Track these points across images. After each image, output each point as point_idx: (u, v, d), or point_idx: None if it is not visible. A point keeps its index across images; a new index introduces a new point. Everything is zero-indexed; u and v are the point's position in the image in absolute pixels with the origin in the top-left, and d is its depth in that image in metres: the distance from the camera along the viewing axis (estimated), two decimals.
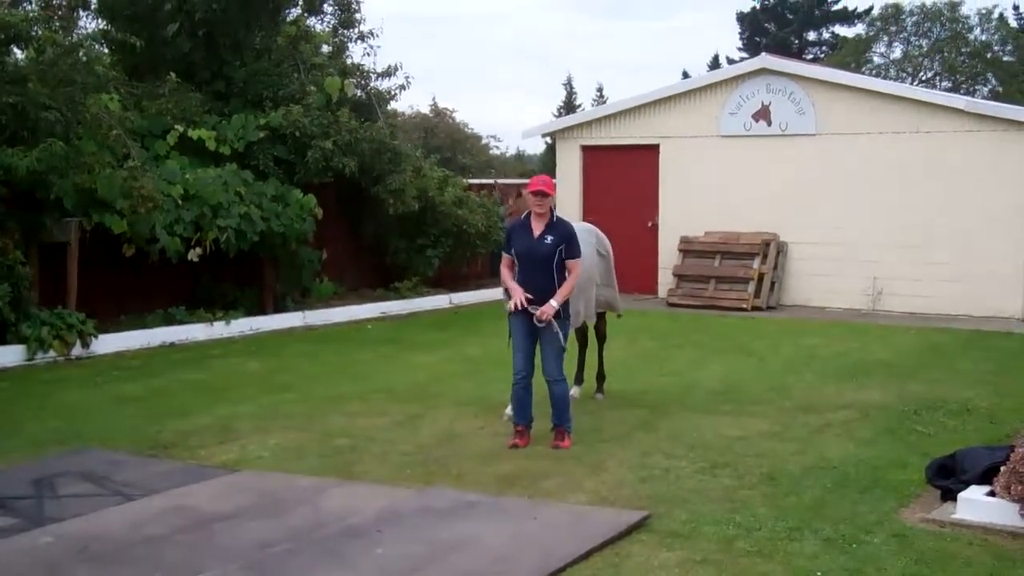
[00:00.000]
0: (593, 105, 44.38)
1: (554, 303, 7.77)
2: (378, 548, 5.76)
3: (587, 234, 9.33)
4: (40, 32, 12.82)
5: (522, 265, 7.94)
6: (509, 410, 8.67)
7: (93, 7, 15.83)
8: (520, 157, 46.92)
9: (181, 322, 13.60)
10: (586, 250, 9.00)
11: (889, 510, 6.43)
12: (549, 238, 7.87)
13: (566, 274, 7.91)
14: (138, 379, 10.84)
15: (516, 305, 7.84)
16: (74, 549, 5.80)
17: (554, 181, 8.33)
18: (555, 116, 43.19)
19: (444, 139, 36.00)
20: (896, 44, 45.13)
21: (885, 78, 38.32)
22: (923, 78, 43.77)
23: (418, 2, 77.85)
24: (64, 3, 14.53)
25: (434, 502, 6.57)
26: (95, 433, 8.49)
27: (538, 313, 7.73)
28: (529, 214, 8.02)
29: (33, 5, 14.23)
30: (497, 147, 44.17)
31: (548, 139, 25.74)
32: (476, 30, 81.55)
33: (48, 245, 12.47)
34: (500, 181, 22.71)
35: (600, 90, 50.97)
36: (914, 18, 43.96)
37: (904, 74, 43.70)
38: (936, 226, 15.83)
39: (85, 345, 12.09)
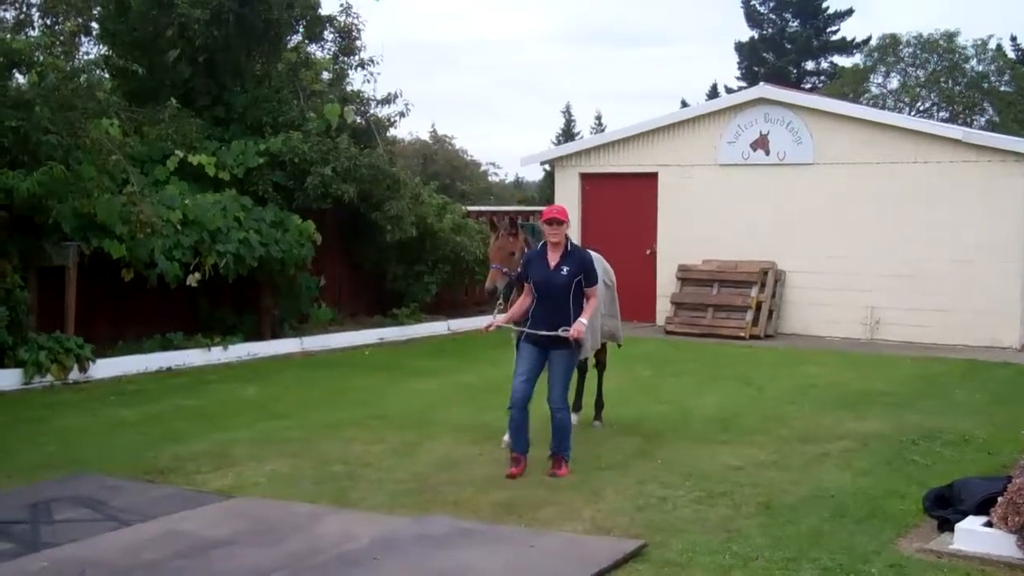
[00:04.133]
0: (592, 133, 44.57)
1: (584, 320, 7.81)
2: None
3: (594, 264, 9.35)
4: (42, 57, 12.91)
5: (539, 295, 7.91)
6: (507, 437, 8.67)
7: (95, 33, 15.94)
8: (519, 184, 47.02)
9: (179, 347, 13.59)
10: None
11: (887, 540, 6.42)
12: (565, 269, 7.85)
13: (583, 303, 7.92)
14: (135, 404, 10.83)
15: (485, 327, 8.12)
16: (70, 574, 5.78)
17: (566, 209, 8.32)
18: (554, 144, 43.33)
19: (443, 166, 36.08)
20: (893, 74, 45.35)
21: (883, 108, 38.49)
22: (920, 108, 43.98)
23: (418, 29, 78.32)
24: (66, 29, 14.63)
25: (431, 530, 6.55)
26: (91, 458, 8.47)
27: (571, 333, 7.73)
28: (545, 244, 8.00)
29: (36, 31, 14.33)
30: (496, 174, 44.29)
31: (547, 167, 25.79)
32: (476, 57, 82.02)
33: (47, 269, 12.48)
34: (499, 209, 22.75)
35: (599, 118, 51.13)
36: (911, 48, 44.19)
37: (901, 104, 43.90)
38: (933, 256, 15.87)
39: (83, 369, 12.08)
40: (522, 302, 8.08)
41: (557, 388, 7.94)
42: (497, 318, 8.34)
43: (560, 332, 7.77)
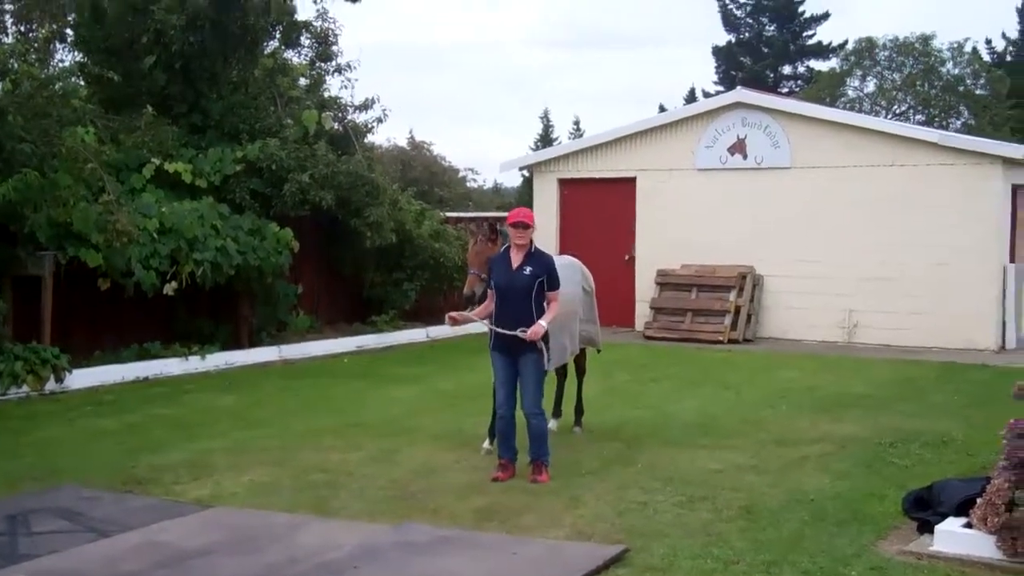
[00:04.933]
0: (570, 138, 44.65)
1: (543, 323, 7.78)
2: None
3: (572, 269, 9.35)
4: (16, 65, 12.79)
5: (500, 296, 7.92)
6: (487, 443, 8.69)
7: (70, 40, 15.86)
8: (497, 190, 47.03)
9: (156, 356, 13.51)
10: (571, 287, 9.04)
11: (867, 543, 6.44)
12: (528, 269, 7.85)
13: (545, 305, 7.91)
14: (112, 414, 10.74)
15: (448, 319, 8.19)
16: None
17: (533, 213, 8.34)
18: (532, 149, 43.41)
19: (421, 172, 36.02)
20: (870, 78, 45.65)
21: (859, 111, 38.75)
22: (897, 111, 44.28)
23: (396, 33, 78.29)
24: (41, 36, 14.53)
25: (411, 537, 6.52)
26: (69, 469, 8.39)
27: (528, 334, 7.70)
28: (508, 247, 8.01)
29: (10, 38, 14.22)
30: (475, 180, 44.28)
31: (525, 172, 25.85)
32: (453, 62, 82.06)
33: (22, 278, 12.38)
34: (477, 215, 22.74)
35: (577, 123, 51.21)
36: (887, 52, 44.50)
37: (878, 107, 44.18)
38: (910, 259, 15.97)
39: (59, 380, 11.97)
40: (487, 305, 8.10)
41: (528, 394, 7.92)
42: (458, 314, 8.32)
43: (518, 333, 7.74)
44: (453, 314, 8.29)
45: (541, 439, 8.00)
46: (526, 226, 7.89)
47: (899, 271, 16.06)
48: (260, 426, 10.10)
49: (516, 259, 7.92)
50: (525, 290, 7.83)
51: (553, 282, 7.94)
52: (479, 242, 8.45)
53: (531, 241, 7.97)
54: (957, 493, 6.60)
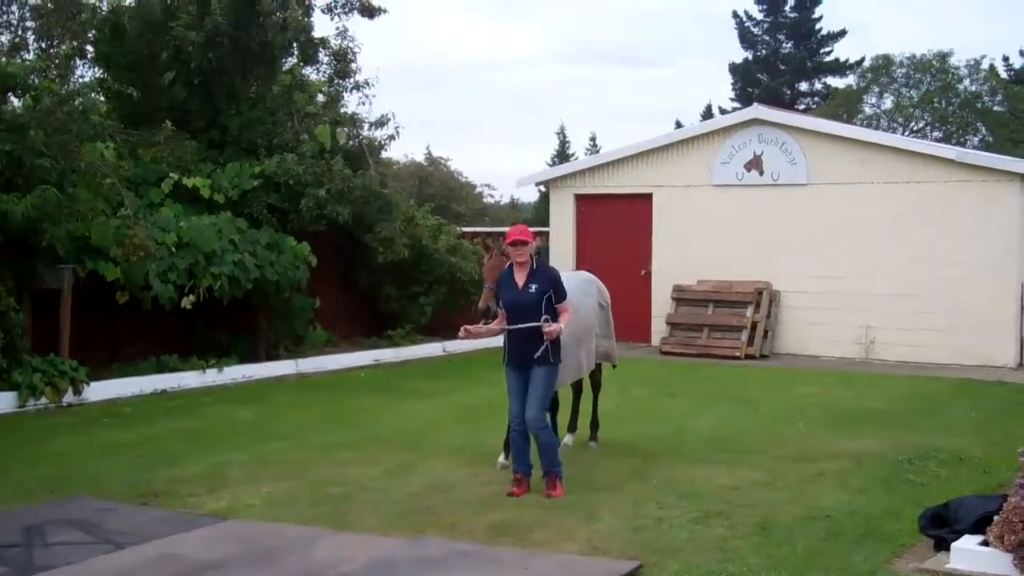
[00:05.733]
0: (586, 154, 44.70)
1: (560, 326, 7.83)
2: None
3: (588, 284, 9.38)
4: (37, 81, 12.94)
5: (509, 316, 7.96)
6: (503, 458, 8.70)
7: (90, 56, 16.00)
8: (514, 205, 47.13)
9: (174, 369, 13.57)
10: (588, 301, 9.09)
11: (882, 560, 6.40)
12: (533, 287, 7.90)
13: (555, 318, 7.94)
14: (130, 427, 10.80)
15: (463, 332, 8.16)
16: None
17: (530, 229, 8.43)
18: (548, 165, 43.43)
19: (439, 187, 36.20)
20: (887, 95, 45.59)
21: (876, 128, 38.69)
22: (914, 128, 44.19)
23: (413, 52, 78.62)
24: (61, 52, 14.68)
25: (426, 551, 6.53)
26: (86, 481, 8.44)
27: (547, 330, 7.75)
28: (511, 265, 8.06)
29: (31, 54, 14.37)
30: (491, 195, 44.43)
31: (542, 188, 25.90)
32: (470, 79, 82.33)
33: (42, 292, 12.48)
34: (493, 230, 22.76)
35: (593, 139, 51.29)
36: (904, 69, 44.44)
37: (895, 124, 44.12)
38: (927, 275, 15.91)
39: (77, 392, 12.05)
40: (500, 319, 8.16)
41: (533, 408, 7.91)
42: (472, 327, 8.39)
43: (541, 323, 7.77)
44: (468, 328, 8.31)
45: (550, 452, 8.00)
46: (524, 243, 7.92)
47: (916, 287, 16.00)
48: (277, 439, 10.13)
49: (520, 278, 7.96)
50: (532, 307, 7.86)
51: (560, 295, 7.98)
52: (494, 256, 8.47)
53: (532, 257, 8.00)
54: (974, 511, 6.56)
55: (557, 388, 8.57)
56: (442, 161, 38.69)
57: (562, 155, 48.24)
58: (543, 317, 7.84)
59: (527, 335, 7.85)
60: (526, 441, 8.02)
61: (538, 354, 7.85)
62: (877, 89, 45.55)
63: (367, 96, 18.72)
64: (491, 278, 8.35)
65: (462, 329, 8.32)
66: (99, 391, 12.33)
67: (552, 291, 7.92)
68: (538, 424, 7.94)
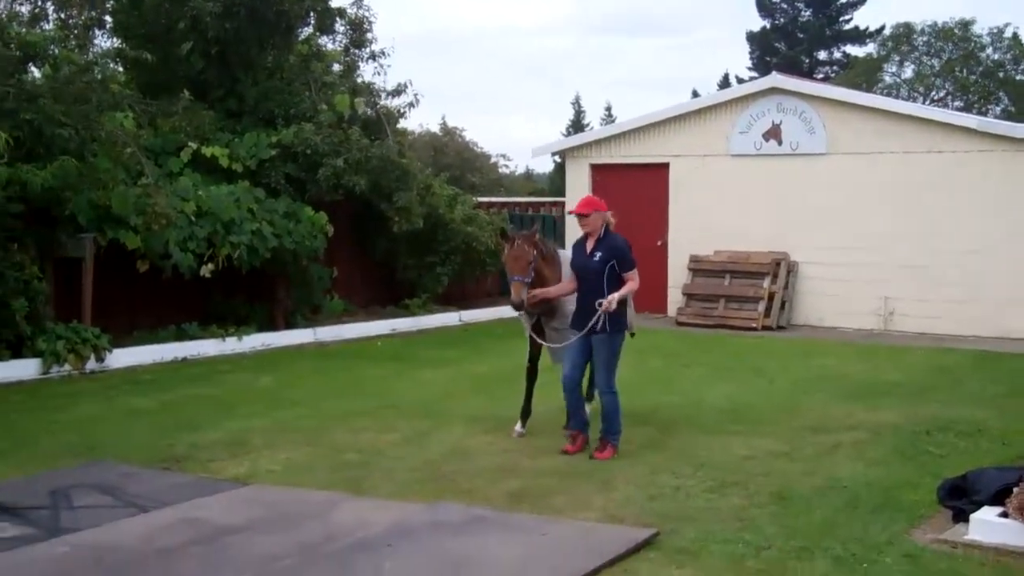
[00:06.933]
0: (601, 124, 44.53)
1: (615, 296, 8.03)
2: (387, 562, 5.79)
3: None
4: (57, 51, 12.96)
5: (579, 280, 8.27)
6: (519, 427, 8.82)
7: (108, 26, 16.00)
8: (529, 176, 47.04)
9: (193, 337, 13.68)
10: None
11: (900, 530, 6.43)
12: (598, 254, 8.17)
13: (618, 287, 8.15)
14: (151, 393, 10.91)
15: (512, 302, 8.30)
16: (89, 559, 5.86)
17: (598, 200, 8.53)
18: (564, 135, 43.30)
19: (454, 158, 36.07)
20: (907, 63, 45.19)
21: (896, 98, 38.38)
22: (935, 98, 43.83)
23: (427, 22, 78.30)
24: (80, 22, 14.69)
25: (443, 517, 6.60)
26: (109, 446, 8.56)
27: (604, 304, 7.98)
28: (586, 235, 8.33)
29: (50, 24, 14.39)
30: (506, 166, 44.30)
31: (557, 158, 25.83)
32: (484, 49, 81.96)
33: (64, 260, 12.59)
34: (509, 200, 22.74)
35: (608, 109, 51.12)
36: (925, 37, 44.02)
37: (916, 94, 43.76)
38: (947, 246, 15.83)
39: (99, 359, 12.18)
40: (564, 284, 8.42)
41: (601, 373, 8.24)
42: (527, 324, 8.73)
43: (596, 304, 8.02)
44: (535, 292, 8.32)
45: (611, 417, 8.26)
46: (584, 215, 8.22)
47: (936, 258, 15.93)
48: (295, 406, 10.22)
49: (590, 245, 8.27)
50: (596, 274, 8.14)
51: (625, 264, 8.18)
52: (515, 246, 8.43)
53: (602, 226, 8.23)
54: (992, 482, 6.56)
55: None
56: (457, 131, 38.57)
57: (577, 125, 48.06)
58: (604, 285, 8.08)
59: (590, 303, 8.09)
60: (578, 399, 8.37)
61: (596, 324, 8.05)
62: (897, 58, 45.17)
63: (382, 66, 18.67)
64: (516, 269, 8.32)
65: (529, 296, 8.31)
66: (121, 358, 12.45)
67: (616, 260, 8.14)
68: (605, 388, 8.23)
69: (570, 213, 8.32)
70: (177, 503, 6.91)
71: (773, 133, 17.33)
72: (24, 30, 13.34)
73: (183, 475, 7.71)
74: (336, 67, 18.79)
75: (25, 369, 11.53)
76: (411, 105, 18.80)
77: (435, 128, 38.23)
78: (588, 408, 9.54)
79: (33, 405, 10.24)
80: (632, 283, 8.20)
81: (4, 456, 8.21)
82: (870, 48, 47.69)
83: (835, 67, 49.10)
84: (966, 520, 6.35)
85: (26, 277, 11.62)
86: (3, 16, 13.92)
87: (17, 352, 11.64)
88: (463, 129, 39.54)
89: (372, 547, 6.03)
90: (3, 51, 12.80)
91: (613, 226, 8.36)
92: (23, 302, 11.47)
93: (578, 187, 18.89)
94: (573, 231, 17.27)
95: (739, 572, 5.71)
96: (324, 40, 18.59)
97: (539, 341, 8.78)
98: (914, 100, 40.54)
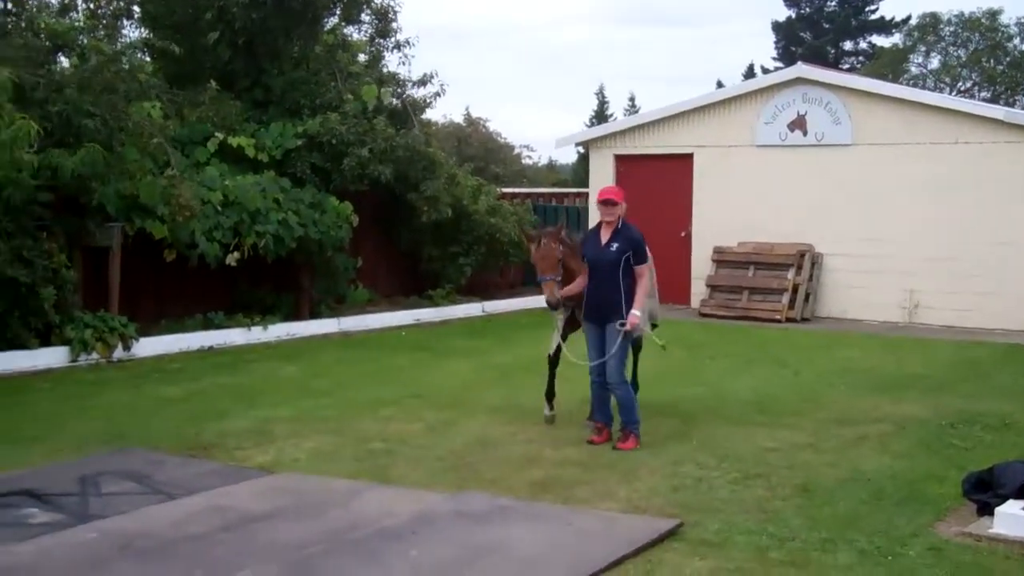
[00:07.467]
0: (625, 115, 44.41)
1: (636, 312, 8.10)
2: (412, 550, 5.83)
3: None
4: (85, 41, 13.05)
5: (591, 272, 8.25)
6: (548, 409, 9.02)
7: (136, 16, 16.10)
8: (552, 167, 47.01)
9: (219, 327, 13.78)
10: None
11: (925, 523, 6.42)
12: (615, 245, 8.16)
13: (632, 279, 8.16)
14: (178, 382, 11.01)
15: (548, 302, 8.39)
16: (118, 545, 5.93)
17: (621, 190, 8.66)
18: (587, 126, 43.21)
19: (477, 148, 36.13)
20: (934, 54, 44.82)
21: (922, 88, 38.07)
22: (961, 88, 43.44)
23: (451, 13, 78.24)
24: (108, 12, 14.79)
25: (468, 506, 6.64)
26: (137, 433, 8.65)
27: (627, 326, 8.05)
28: (600, 223, 8.32)
29: (79, 14, 14.49)
30: (530, 157, 44.29)
31: (581, 148, 25.80)
32: (508, 40, 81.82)
33: (92, 249, 12.70)
34: (532, 191, 22.72)
35: (632, 100, 50.94)
36: (952, 27, 43.64)
37: (942, 84, 43.40)
38: (973, 238, 15.72)
39: (126, 348, 12.29)
40: (580, 280, 8.39)
41: (610, 364, 8.20)
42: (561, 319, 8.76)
43: (616, 326, 8.08)
44: (563, 291, 8.37)
45: (626, 407, 8.28)
46: (613, 203, 8.20)
47: (962, 251, 15.81)
48: (320, 395, 10.29)
49: (605, 235, 8.24)
50: (612, 265, 8.12)
51: (639, 256, 8.18)
52: (543, 246, 8.45)
53: (619, 218, 8.23)
54: (1018, 476, 6.53)
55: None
56: (481, 122, 38.60)
57: (600, 116, 47.97)
58: (619, 277, 8.11)
59: (605, 292, 8.12)
60: (605, 391, 8.34)
61: (614, 317, 8.11)
62: (924, 48, 44.80)
63: (407, 56, 18.72)
64: (546, 268, 8.36)
65: (560, 295, 8.36)
66: (148, 347, 12.56)
67: (632, 252, 8.14)
68: (615, 379, 8.22)
69: (600, 201, 8.21)
70: (204, 490, 6.98)
71: (798, 124, 17.24)
72: (53, 20, 13.43)
73: (210, 463, 7.79)
74: (361, 57, 18.84)
75: (54, 357, 11.65)
76: (437, 95, 18.87)
77: (459, 119, 38.29)
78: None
79: (61, 393, 10.36)
80: (644, 279, 8.23)
81: (33, 443, 8.32)
82: (896, 38, 47.35)
83: (861, 57, 48.75)
84: (991, 513, 6.34)
85: (55, 266, 11.73)
86: (33, 6, 14.02)
87: (46, 340, 11.76)
88: (487, 120, 39.56)
89: (397, 535, 6.08)
90: (32, 41, 12.93)
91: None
92: (52, 290, 11.58)
93: (602, 178, 18.86)
94: (595, 222, 17.24)
95: (763, 563, 5.73)
96: (350, 30, 18.66)
97: (561, 343, 8.87)
98: (940, 91, 40.20)
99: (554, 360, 8.96)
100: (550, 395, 9.01)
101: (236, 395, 10.32)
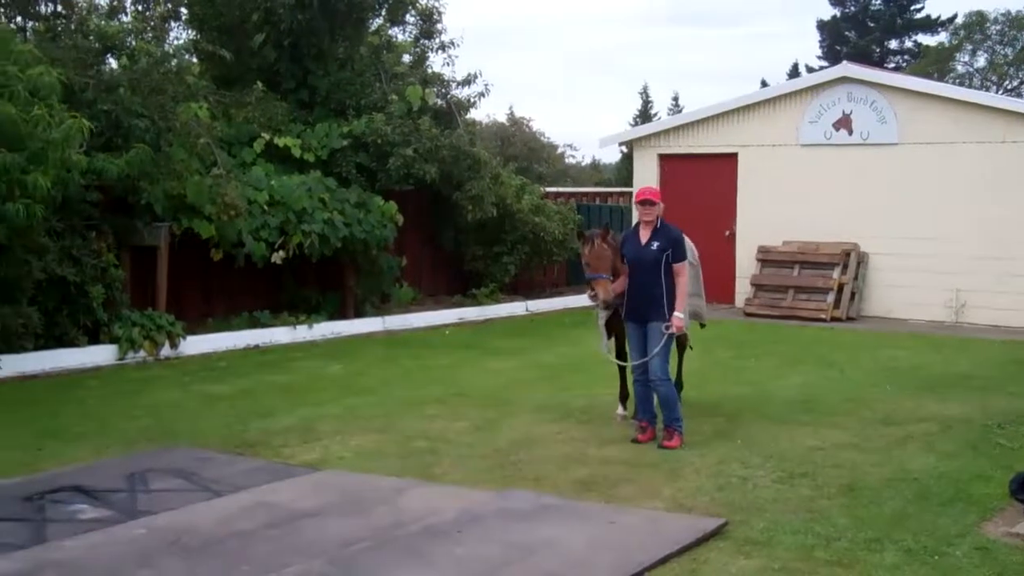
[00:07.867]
0: (668, 114, 44.20)
1: (680, 314, 8.16)
2: (458, 548, 5.87)
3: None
4: (134, 42, 13.25)
5: (631, 271, 8.32)
6: (620, 410, 9.09)
7: (184, 18, 16.32)
8: (596, 166, 46.92)
9: (265, 325, 13.92)
10: None
11: (971, 523, 6.36)
12: (655, 244, 8.22)
13: (673, 277, 8.19)
14: (224, 380, 11.14)
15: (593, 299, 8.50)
16: (166, 541, 6.01)
17: (658, 191, 8.76)
18: (631, 125, 43.08)
19: (521, 148, 36.15)
20: (980, 52, 44.19)
21: (969, 87, 37.55)
22: (1008, 87, 42.78)
23: (495, 13, 78.34)
24: (157, 14, 15.01)
25: (513, 504, 6.66)
26: (184, 431, 8.77)
27: (672, 329, 8.11)
28: (639, 223, 8.41)
29: (128, 16, 14.72)
30: (573, 156, 44.24)
31: (624, 148, 25.72)
32: (551, 39, 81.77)
33: (139, 248, 12.89)
34: (576, 190, 22.70)
35: (676, 99, 50.75)
36: (999, 26, 43.00)
37: (989, 83, 42.76)
38: (1020, 238, 15.49)
39: (174, 346, 12.46)
40: (623, 279, 8.44)
41: (653, 362, 8.22)
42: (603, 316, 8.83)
43: (662, 329, 8.12)
44: (609, 288, 8.43)
45: (669, 405, 8.29)
46: (652, 203, 8.28)
47: (1009, 250, 15.59)
48: (365, 394, 10.37)
49: (644, 235, 8.31)
50: (652, 264, 8.20)
51: (678, 254, 8.24)
52: (596, 246, 8.52)
53: (658, 217, 8.31)
54: None
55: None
56: (524, 121, 38.62)
57: (644, 115, 47.76)
58: (660, 275, 8.17)
59: (645, 289, 8.18)
60: (648, 390, 8.37)
61: (655, 316, 8.16)
62: (970, 47, 44.20)
63: (451, 57, 18.79)
64: (600, 267, 8.43)
65: (605, 291, 8.41)
66: (194, 345, 12.72)
67: (671, 250, 8.20)
68: (659, 376, 8.24)
69: (639, 200, 8.29)
70: (251, 487, 7.05)
71: (843, 123, 17.09)
72: (103, 22, 13.67)
73: (256, 460, 7.87)
74: (406, 58, 18.95)
75: (102, 355, 11.84)
76: (481, 95, 18.94)
77: (502, 118, 38.34)
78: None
79: (109, 390, 10.51)
80: (683, 278, 8.26)
81: (82, 440, 8.46)
82: (942, 37, 46.73)
83: (906, 56, 48.15)
84: None
85: (103, 264, 11.93)
86: (83, 8, 14.27)
87: (94, 338, 11.95)
88: (530, 119, 39.60)
89: (442, 533, 6.12)
90: (82, 42, 13.16)
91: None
92: (100, 289, 11.78)
93: (646, 177, 18.80)
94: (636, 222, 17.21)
95: (809, 563, 5.70)
96: (394, 31, 18.77)
97: (606, 340, 8.92)
98: (987, 89, 39.63)
99: (620, 359, 8.93)
100: (623, 396, 9.08)
101: (282, 393, 10.43)
